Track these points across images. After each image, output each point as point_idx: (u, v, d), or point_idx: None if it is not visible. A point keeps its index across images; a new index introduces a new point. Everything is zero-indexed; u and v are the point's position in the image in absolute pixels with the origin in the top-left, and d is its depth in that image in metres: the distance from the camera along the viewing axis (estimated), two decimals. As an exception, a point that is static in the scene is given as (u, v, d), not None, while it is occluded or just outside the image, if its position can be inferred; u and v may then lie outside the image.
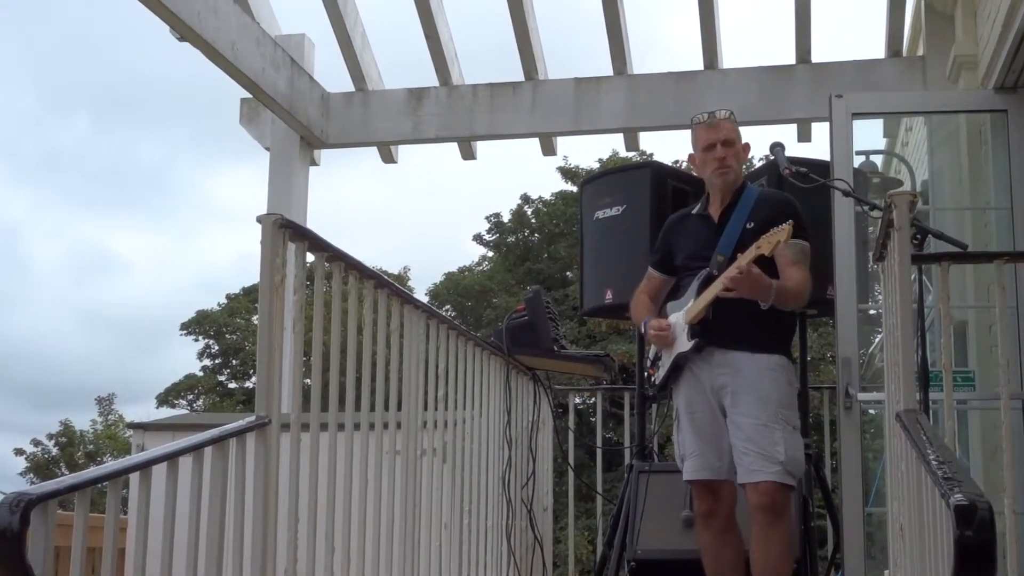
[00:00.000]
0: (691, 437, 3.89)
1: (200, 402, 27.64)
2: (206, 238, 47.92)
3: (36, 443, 28.16)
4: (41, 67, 54.16)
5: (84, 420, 29.30)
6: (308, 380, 3.20)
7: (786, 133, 6.49)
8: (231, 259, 44.88)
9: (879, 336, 4.49)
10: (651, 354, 4.08)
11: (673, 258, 4.08)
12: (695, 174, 4.31)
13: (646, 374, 4.14)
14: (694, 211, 4.07)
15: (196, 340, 28.29)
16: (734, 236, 3.87)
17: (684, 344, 3.85)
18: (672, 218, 4.21)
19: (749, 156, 4.12)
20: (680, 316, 3.89)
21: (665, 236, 4.15)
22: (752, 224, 3.86)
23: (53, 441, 28.20)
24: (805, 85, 6.07)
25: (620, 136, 6.82)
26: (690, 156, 4.10)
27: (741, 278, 3.57)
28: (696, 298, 3.82)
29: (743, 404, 3.75)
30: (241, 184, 48.62)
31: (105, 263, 48.17)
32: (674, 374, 3.92)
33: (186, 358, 42.82)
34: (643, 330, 4.02)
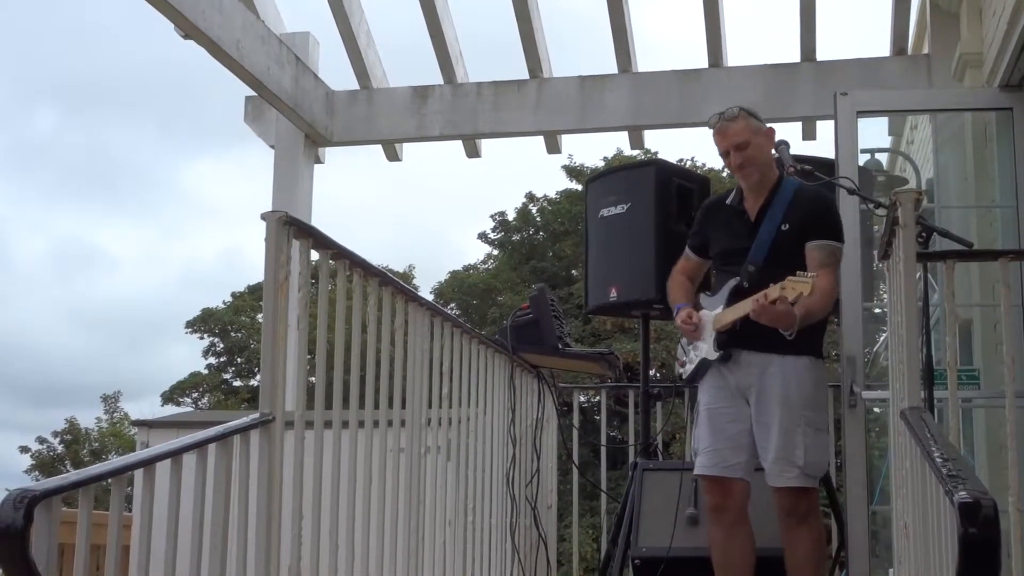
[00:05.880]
0: (707, 433, 3.90)
1: (205, 400, 27.70)
2: (192, 233, 48.03)
3: (41, 441, 28.26)
4: (9, 58, 54.03)
5: (83, 417, 29.42)
6: (312, 378, 3.20)
7: (791, 131, 6.51)
8: (218, 254, 44.95)
9: (884, 334, 4.49)
10: (683, 343, 4.07)
11: (709, 246, 4.09)
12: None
13: (678, 365, 4.14)
14: (728, 200, 4.04)
15: (201, 338, 28.37)
16: (767, 240, 3.85)
17: (710, 351, 3.88)
18: (707, 204, 4.20)
19: (773, 143, 3.99)
20: (709, 318, 3.89)
21: (701, 223, 4.15)
22: (787, 226, 3.85)
23: (59, 439, 28.28)
24: (810, 83, 6.07)
25: (625, 134, 6.82)
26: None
27: (763, 310, 3.57)
28: (725, 306, 3.83)
29: (767, 406, 3.79)
30: (226, 178, 48.69)
31: (91, 258, 48.26)
32: (700, 371, 3.96)
33: (182, 354, 42.95)
34: (675, 312, 4.03)
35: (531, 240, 24.61)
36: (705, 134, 4.08)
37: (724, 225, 4.02)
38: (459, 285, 24.42)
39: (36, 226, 49.96)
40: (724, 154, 3.93)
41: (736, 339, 3.82)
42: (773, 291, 3.54)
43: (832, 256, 3.83)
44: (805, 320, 3.64)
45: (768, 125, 3.99)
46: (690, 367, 3.99)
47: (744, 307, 3.69)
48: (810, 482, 3.75)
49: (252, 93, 6.06)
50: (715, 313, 3.88)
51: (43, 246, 49.58)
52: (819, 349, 3.93)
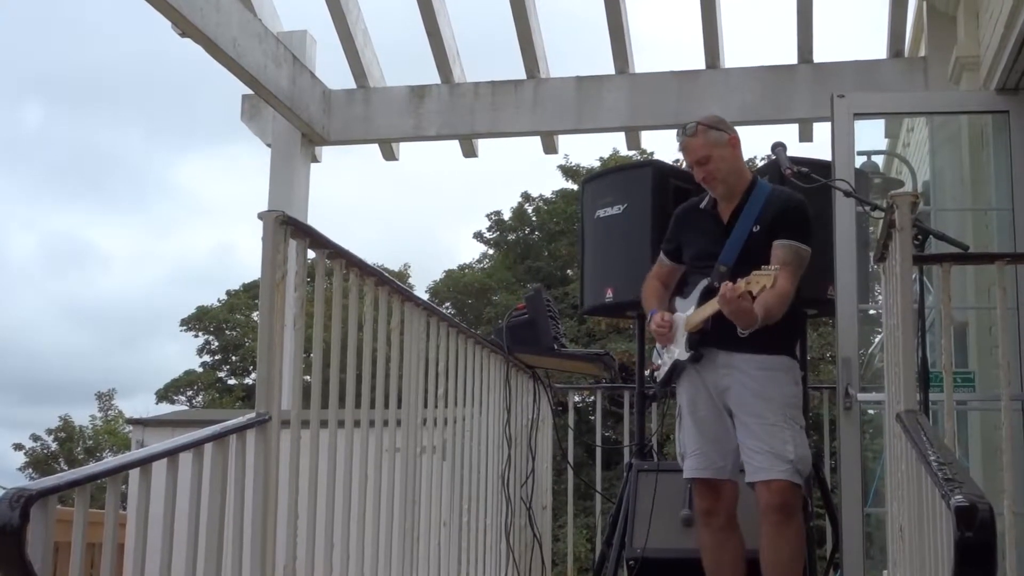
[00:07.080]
0: (693, 435, 3.88)
1: (199, 398, 27.66)
2: (185, 230, 47.92)
3: (35, 438, 28.23)
4: (4, 54, 53.74)
5: (77, 414, 29.37)
6: (308, 377, 3.20)
7: (788, 133, 6.49)
8: (211, 251, 44.85)
9: (879, 336, 4.49)
10: (658, 348, 4.07)
11: (682, 251, 4.08)
12: None
13: (649, 370, 4.13)
14: (702, 205, 4.04)
15: (196, 336, 28.33)
16: (739, 241, 3.84)
17: (682, 352, 3.86)
18: (681, 209, 4.16)
19: (740, 148, 3.97)
20: (681, 320, 3.89)
21: (675, 228, 4.12)
22: (758, 227, 3.84)
23: (52, 436, 28.26)
24: (807, 85, 6.07)
25: (621, 135, 6.82)
26: None
27: (728, 300, 3.53)
28: (696, 307, 3.82)
29: (749, 405, 3.74)
30: (219, 175, 48.57)
31: (84, 255, 48.13)
32: (674, 374, 3.94)
33: (177, 352, 42.85)
34: (648, 319, 4.02)
35: (527, 240, 24.62)
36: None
37: (698, 229, 4.01)
38: (454, 284, 24.42)
39: (28, 223, 49.91)
40: (690, 168, 3.97)
41: (708, 339, 3.80)
42: (741, 284, 3.52)
43: (795, 256, 3.77)
44: (765, 319, 3.62)
45: (732, 132, 3.94)
46: (663, 370, 3.97)
47: (713, 305, 3.67)
48: (799, 479, 3.71)
49: (249, 91, 6.05)
50: (686, 315, 3.87)
51: (35, 243, 49.55)
52: (792, 349, 3.91)
